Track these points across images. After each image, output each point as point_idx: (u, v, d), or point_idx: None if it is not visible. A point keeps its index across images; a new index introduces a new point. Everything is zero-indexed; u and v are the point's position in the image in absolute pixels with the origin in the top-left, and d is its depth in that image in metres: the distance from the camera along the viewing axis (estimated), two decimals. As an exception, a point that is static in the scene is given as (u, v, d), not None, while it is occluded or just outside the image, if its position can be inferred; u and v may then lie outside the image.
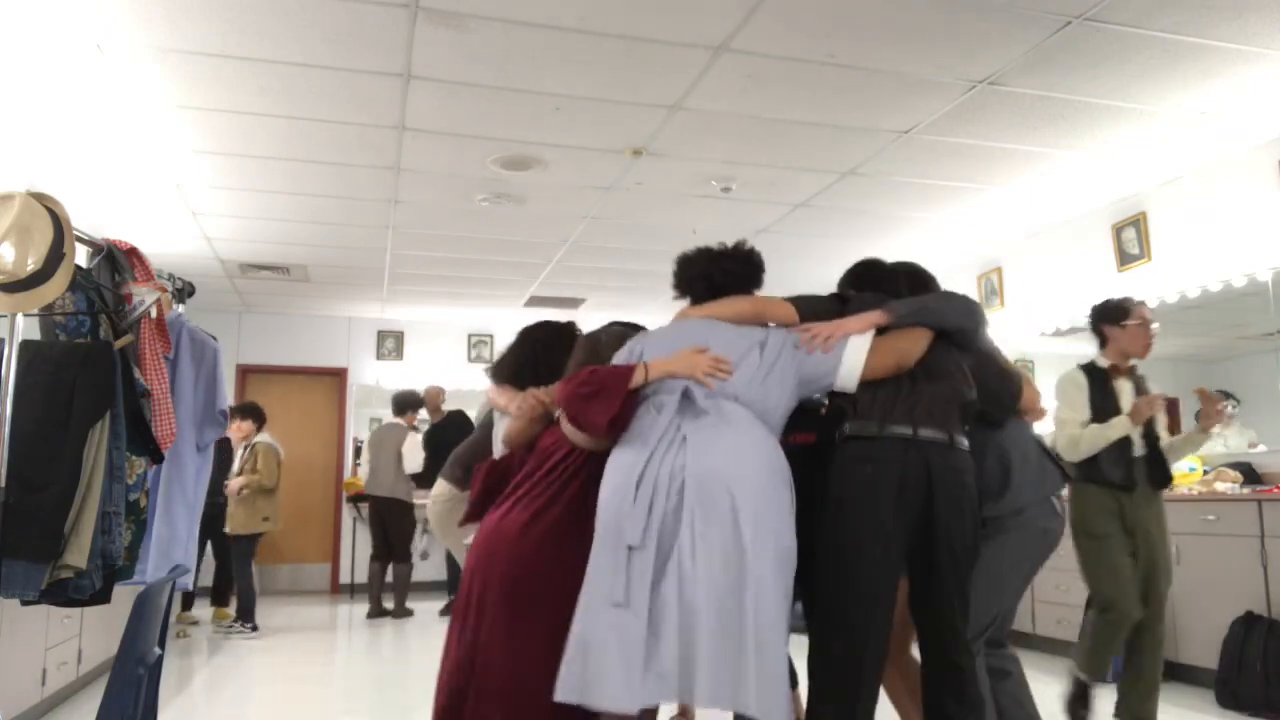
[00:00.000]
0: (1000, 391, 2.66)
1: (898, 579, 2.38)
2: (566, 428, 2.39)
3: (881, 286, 2.69)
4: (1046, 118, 4.59)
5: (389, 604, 7.26)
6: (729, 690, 2.01)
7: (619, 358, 2.45)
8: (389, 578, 7.34)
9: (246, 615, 6.44)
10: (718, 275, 2.56)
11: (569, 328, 2.97)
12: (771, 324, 2.50)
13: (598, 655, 2.06)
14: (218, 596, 6.84)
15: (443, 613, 7.12)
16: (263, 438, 6.80)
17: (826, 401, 2.61)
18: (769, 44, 3.88)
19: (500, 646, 2.30)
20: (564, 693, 2.08)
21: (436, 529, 4.54)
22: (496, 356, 3.16)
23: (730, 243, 2.63)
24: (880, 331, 2.44)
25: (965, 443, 2.43)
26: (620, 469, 2.23)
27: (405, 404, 7.66)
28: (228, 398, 3.49)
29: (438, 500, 4.29)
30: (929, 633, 2.42)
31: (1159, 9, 3.59)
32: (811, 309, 2.50)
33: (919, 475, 2.31)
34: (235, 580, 6.61)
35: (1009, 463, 2.67)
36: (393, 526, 7.36)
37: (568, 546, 2.29)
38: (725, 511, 2.12)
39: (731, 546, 2.09)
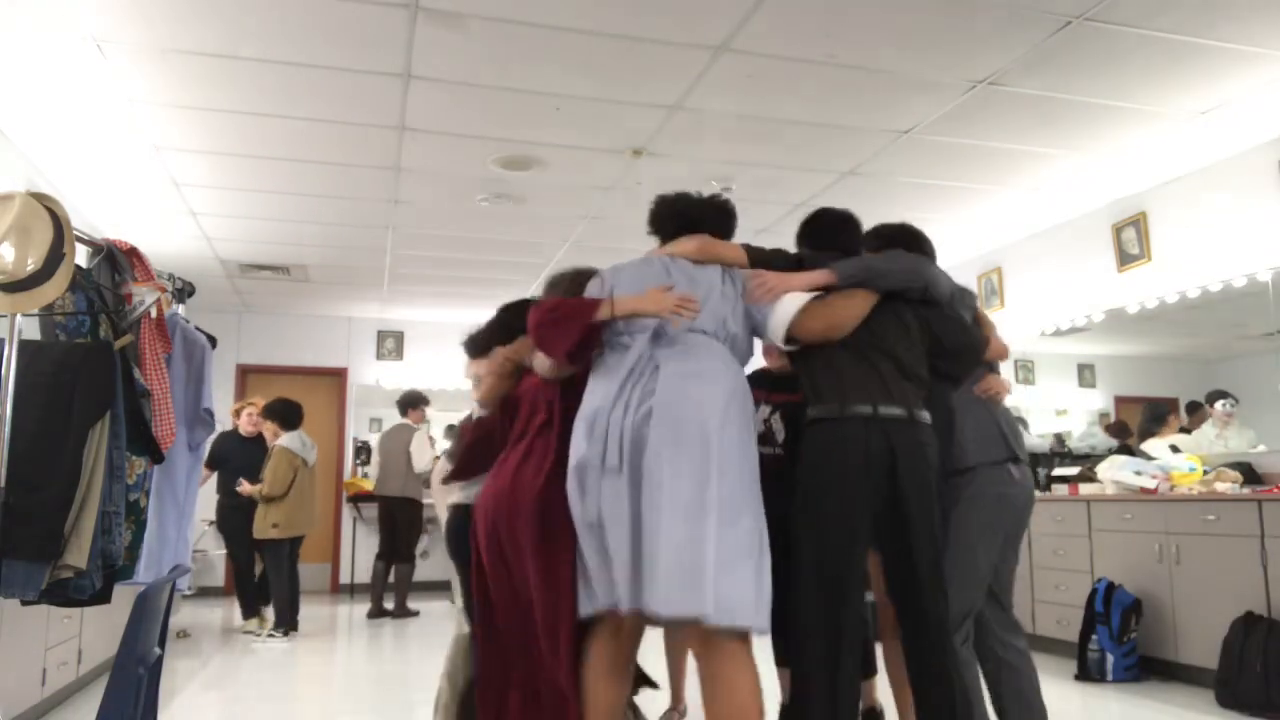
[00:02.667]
0: (962, 348, 2.66)
1: (866, 554, 2.47)
2: (536, 358, 2.51)
3: (838, 240, 2.74)
4: (1046, 118, 4.59)
5: (390, 604, 7.25)
6: (692, 600, 2.12)
7: (590, 290, 2.55)
8: (392, 578, 7.34)
9: (278, 620, 6.38)
10: (690, 213, 2.66)
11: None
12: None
13: (581, 574, 2.29)
14: (244, 605, 6.59)
15: None
16: (282, 440, 6.55)
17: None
18: (769, 44, 3.88)
19: (542, 584, 2.43)
20: (581, 610, 2.31)
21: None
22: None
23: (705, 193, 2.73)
24: (826, 291, 2.49)
25: (926, 415, 2.49)
26: (593, 398, 2.36)
27: (409, 403, 7.64)
28: (213, 397, 3.47)
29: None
30: (904, 610, 2.46)
31: (1159, 9, 3.59)
32: (763, 258, 2.55)
33: (882, 452, 2.38)
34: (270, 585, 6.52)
35: (952, 420, 2.69)
36: (402, 526, 7.35)
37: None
38: (692, 436, 2.22)
39: (698, 469, 2.20)
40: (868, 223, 6.42)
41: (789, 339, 2.49)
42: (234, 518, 6.60)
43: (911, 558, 2.41)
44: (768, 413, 3.09)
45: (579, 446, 2.33)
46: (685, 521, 2.17)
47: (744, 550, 2.21)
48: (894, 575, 2.48)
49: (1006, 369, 6.87)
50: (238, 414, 6.91)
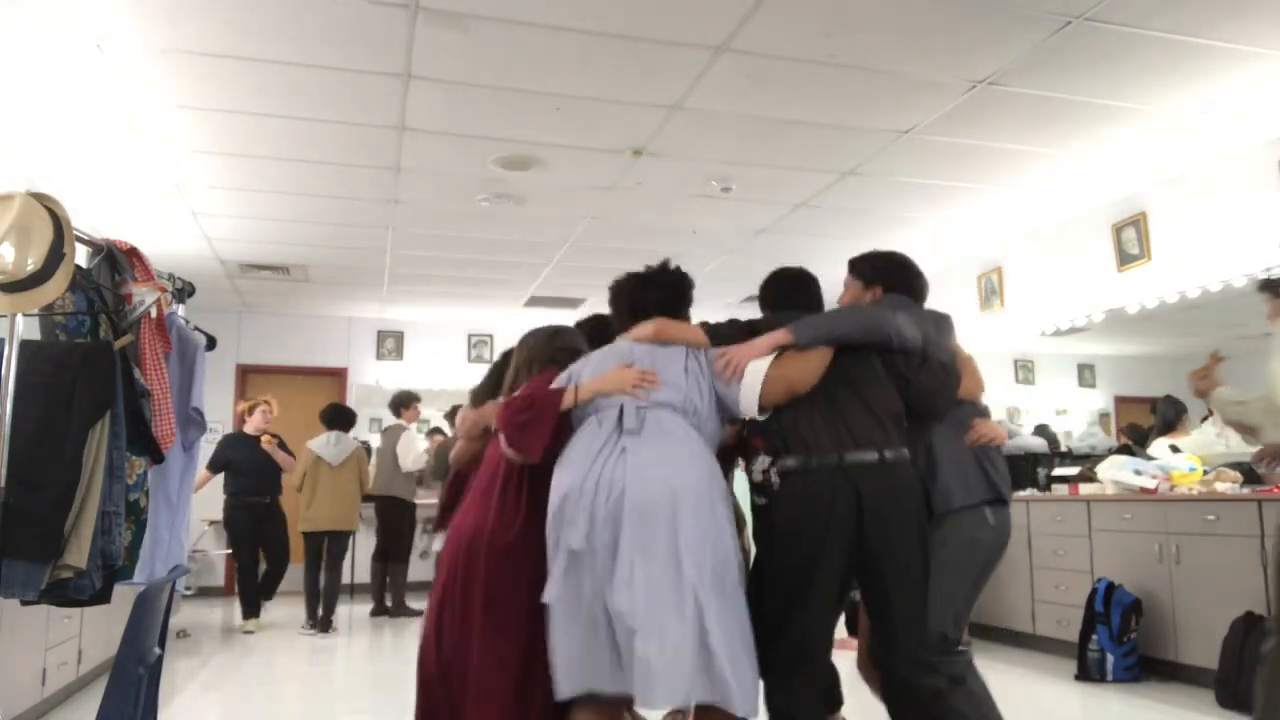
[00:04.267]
0: (932, 389, 2.66)
1: (835, 602, 2.50)
2: (505, 449, 2.54)
3: (795, 300, 2.78)
4: (1046, 118, 4.59)
5: (414, 605, 7.30)
6: (676, 688, 2.16)
7: (559, 382, 2.59)
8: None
9: (309, 617, 6.60)
10: (639, 303, 2.70)
11: None
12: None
13: (556, 651, 2.25)
14: (245, 605, 6.62)
15: None
16: (311, 440, 6.85)
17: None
18: (769, 44, 3.88)
19: (481, 650, 2.44)
20: (565, 690, 2.26)
21: None
22: (496, 356, 3.34)
23: (657, 264, 2.75)
24: (784, 350, 2.52)
25: (903, 454, 2.49)
26: (565, 480, 2.37)
27: (400, 403, 7.65)
28: (204, 397, 3.46)
29: None
30: (884, 648, 2.49)
31: (1159, 9, 3.59)
32: (720, 334, 2.59)
33: (848, 499, 2.39)
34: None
35: (935, 461, 2.69)
36: (391, 526, 7.35)
37: (536, 554, 2.42)
38: (663, 521, 2.25)
39: (669, 553, 2.23)
40: (869, 222, 6.41)
41: (761, 406, 2.51)
42: (239, 518, 6.61)
43: (885, 599, 2.45)
44: (766, 464, 3.05)
45: (559, 530, 2.33)
46: (663, 609, 2.19)
47: (729, 634, 2.24)
48: (872, 612, 2.53)
49: (1006, 369, 6.93)
50: (250, 411, 6.88)
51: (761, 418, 2.55)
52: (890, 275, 2.87)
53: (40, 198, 2.64)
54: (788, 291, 2.85)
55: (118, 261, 3.06)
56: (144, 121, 4.59)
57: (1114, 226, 5.79)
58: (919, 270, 2.91)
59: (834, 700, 3.31)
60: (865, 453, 2.43)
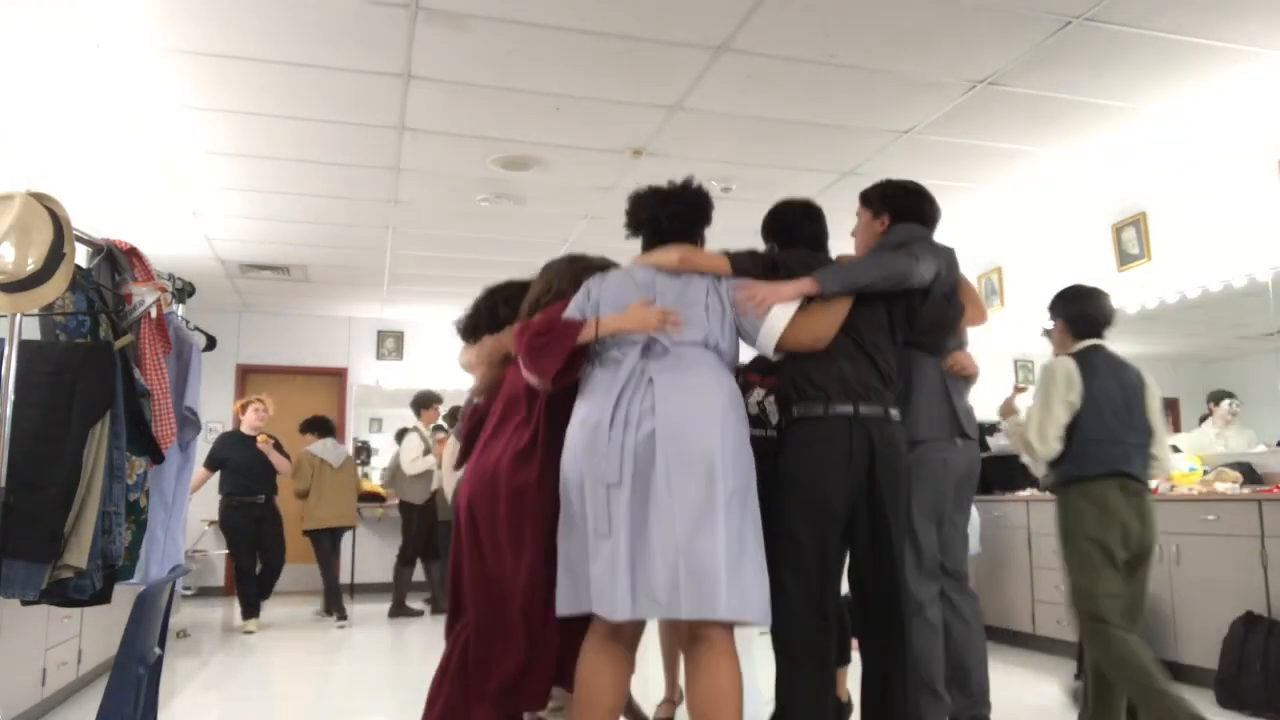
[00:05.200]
0: (937, 322, 2.78)
1: (842, 541, 2.60)
2: (524, 372, 2.57)
3: (802, 231, 2.88)
4: (1046, 118, 4.59)
5: (414, 604, 7.38)
6: (708, 602, 2.24)
7: (574, 306, 2.60)
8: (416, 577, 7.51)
9: (326, 608, 7.06)
10: (664, 219, 2.68)
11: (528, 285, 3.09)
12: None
13: (588, 574, 2.33)
14: (244, 605, 6.65)
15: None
16: (309, 446, 7.16)
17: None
18: (769, 44, 3.88)
19: (514, 570, 2.53)
20: (562, 608, 2.38)
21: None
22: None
23: (680, 180, 2.74)
24: (809, 299, 2.58)
25: (897, 414, 2.62)
26: (590, 411, 2.42)
27: (420, 404, 7.67)
28: (199, 396, 3.45)
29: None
30: (872, 590, 2.59)
31: (1159, 9, 3.59)
32: (742, 265, 2.63)
33: (862, 450, 2.51)
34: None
35: (911, 392, 2.82)
36: (402, 528, 7.49)
37: (554, 488, 2.50)
38: (697, 452, 2.31)
39: (704, 481, 2.29)
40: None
41: (776, 348, 2.58)
42: (235, 518, 6.61)
43: (884, 545, 2.56)
44: (761, 395, 3.13)
45: (577, 460, 2.40)
46: (697, 529, 2.26)
47: (749, 552, 2.33)
48: (863, 559, 2.61)
49: (1006, 369, 6.93)
50: (243, 409, 6.90)
51: (775, 358, 2.63)
52: (899, 202, 2.94)
53: (40, 198, 2.64)
54: (797, 224, 2.92)
55: (118, 261, 3.06)
56: (144, 121, 4.59)
57: (1114, 226, 5.79)
58: (929, 195, 2.98)
59: (842, 655, 3.32)
60: (874, 407, 2.55)
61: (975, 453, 3.01)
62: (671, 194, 2.70)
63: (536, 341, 2.49)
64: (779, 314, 2.51)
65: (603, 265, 2.81)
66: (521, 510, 2.54)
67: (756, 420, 3.00)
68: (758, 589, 2.31)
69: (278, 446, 6.80)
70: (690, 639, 2.38)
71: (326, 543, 7.05)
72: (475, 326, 3.23)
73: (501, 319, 3.05)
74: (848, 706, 3.42)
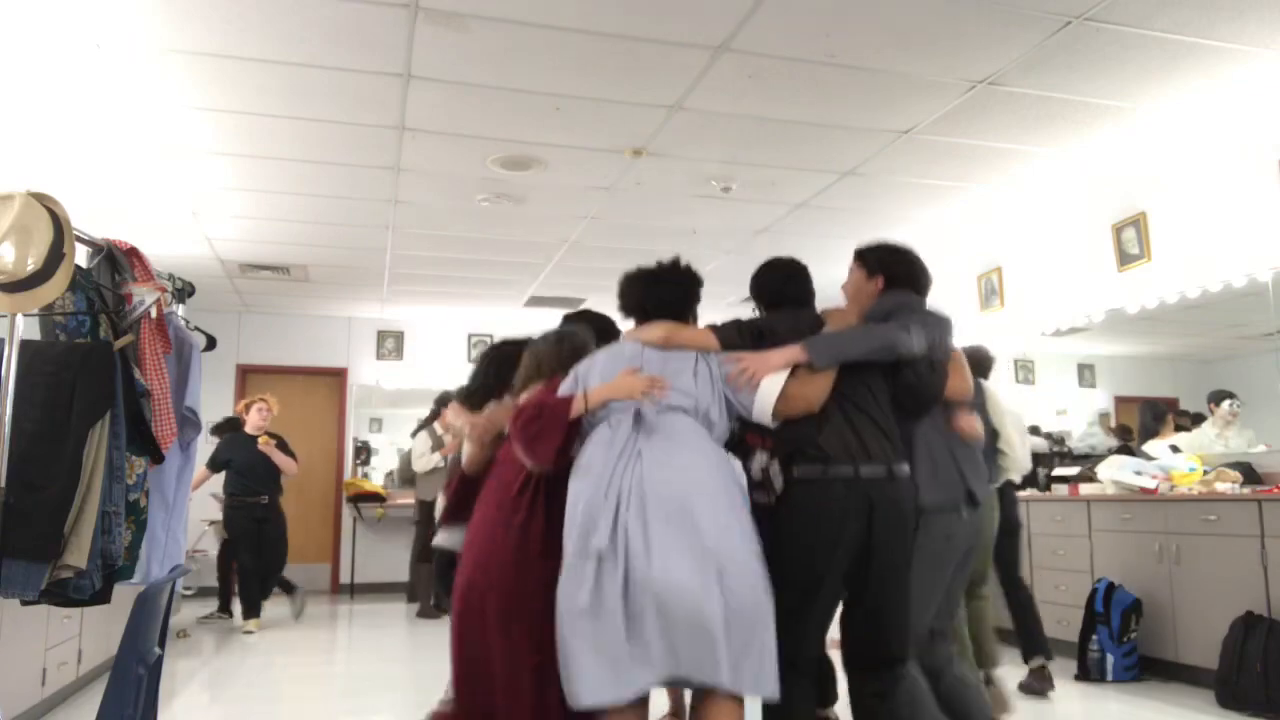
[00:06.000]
0: (918, 386, 2.74)
1: (835, 603, 2.61)
2: (520, 456, 2.56)
3: (788, 293, 2.84)
4: (1046, 118, 4.59)
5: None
6: (709, 669, 2.22)
7: (565, 385, 2.61)
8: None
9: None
10: (650, 303, 2.71)
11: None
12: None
13: (578, 661, 2.26)
14: (245, 605, 6.65)
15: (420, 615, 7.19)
16: None
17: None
18: (769, 44, 3.88)
19: (504, 660, 2.50)
20: (571, 701, 2.29)
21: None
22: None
23: (668, 260, 2.77)
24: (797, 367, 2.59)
25: (904, 469, 2.59)
26: (585, 486, 2.40)
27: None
28: (199, 396, 3.45)
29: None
30: (864, 648, 2.58)
31: (1159, 9, 3.59)
32: (730, 341, 2.65)
33: (860, 511, 2.49)
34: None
35: (913, 458, 2.75)
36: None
37: (545, 555, 2.48)
38: (683, 515, 2.30)
39: (695, 542, 2.27)
40: (869, 222, 6.41)
41: (772, 417, 2.58)
42: (236, 518, 6.61)
43: (880, 601, 2.54)
44: (765, 460, 3.08)
45: (577, 541, 2.35)
46: (692, 595, 2.24)
47: (762, 622, 2.30)
48: (858, 613, 2.59)
49: (1006, 369, 6.93)
50: (247, 409, 6.89)
51: (772, 426, 2.60)
52: (894, 268, 2.90)
53: (40, 198, 2.64)
54: (780, 287, 2.89)
55: (118, 261, 3.06)
56: (144, 122, 4.59)
57: (1114, 226, 5.79)
58: (923, 265, 2.94)
59: (828, 697, 3.34)
60: (876, 466, 2.53)
61: (978, 519, 2.95)
62: (660, 276, 2.74)
63: (531, 429, 2.51)
64: (770, 385, 2.54)
65: (586, 345, 2.81)
66: (511, 593, 2.50)
67: (760, 486, 2.96)
68: (769, 659, 2.28)
69: (282, 446, 6.79)
70: (702, 700, 2.38)
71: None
72: (475, 398, 3.21)
73: (495, 386, 3.04)
74: None
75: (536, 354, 2.84)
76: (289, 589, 6.88)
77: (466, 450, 3.03)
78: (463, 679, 2.60)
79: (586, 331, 2.96)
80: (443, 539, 3.15)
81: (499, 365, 3.07)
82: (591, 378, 2.57)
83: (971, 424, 2.94)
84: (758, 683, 2.26)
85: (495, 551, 2.56)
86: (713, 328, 2.67)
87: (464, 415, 3.17)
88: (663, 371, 2.53)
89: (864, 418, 2.58)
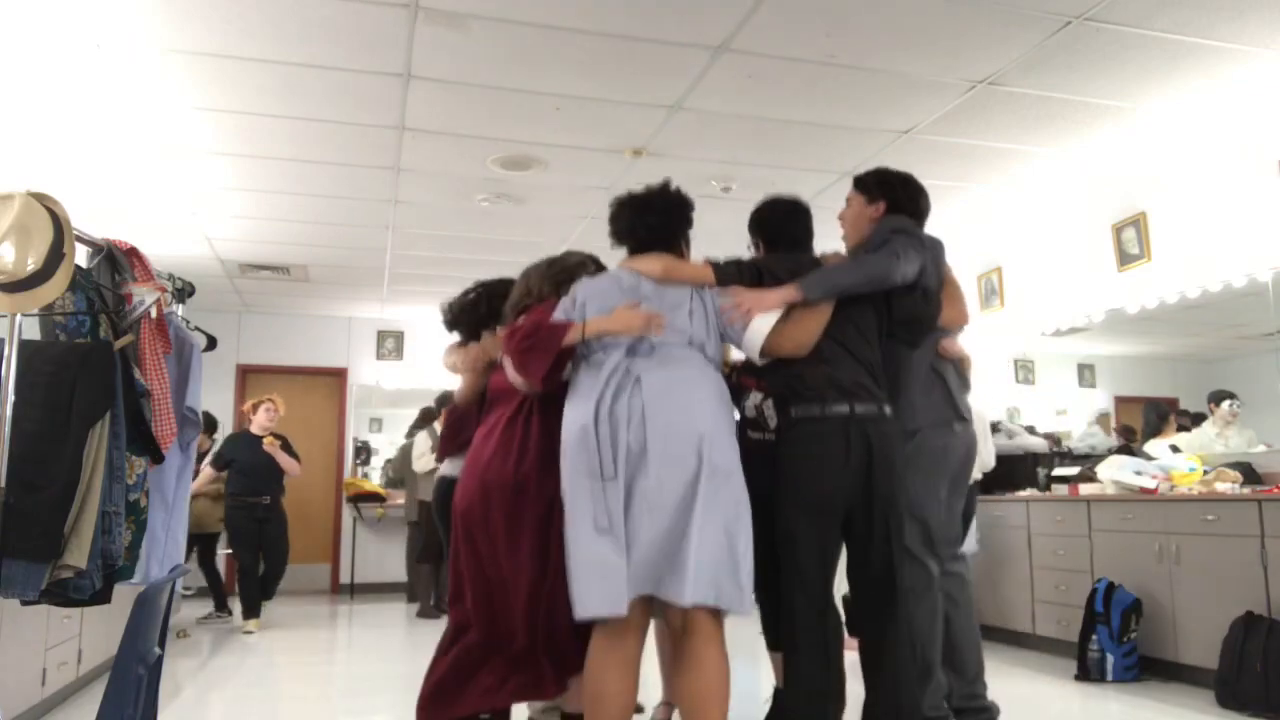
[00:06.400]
0: (912, 319, 2.81)
1: (839, 539, 2.68)
2: (511, 375, 2.63)
3: (788, 232, 2.91)
4: (1046, 118, 4.59)
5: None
6: (676, 586, 2.32)
7: (560, 311, 2.64)
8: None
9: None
10: (641, 230, 2.74)
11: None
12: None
13: (585, 575, 2.36)
14: (246, 605, 6.63)
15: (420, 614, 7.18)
16: None
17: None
18: (769, 44, 3.88)
19: (512, 571, 2.60)
20: (578, 612, 2.39)
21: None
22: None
23: (657, 185, 2.80)
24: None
25: (891, 410, 2.68)
26: (579, 412, 2.46)
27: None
28: (200, 396, 3.46)
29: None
30: (869, 584, 2.65)
31: (1159, 9, 3.59)
32: (725, 275, 2.68)
33: (860, 447, 2.57)
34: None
35: (905, 381, 2.86)
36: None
37: (548, 481, 2.57)
38: (684, 442, 2.37)
39: (690, 470, 2.36)
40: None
41: (761, 354, 2.63)
42: (238, 518, 6.61)
43: (881, 540, 2.62)
44: (759, 399, 3.14)
45: (574, 460, 2.43)
46: (679, 517, 2.34)
47: (732, 539, 2.39)
48: (860, 554, 2.66)
49: (1007, 369, 6.93)
50: (254, 408, 6.88)
51: (761, 363, 2.66)
52: (894, 192, 2.96)
53: (40, 198, 2.64)
54: (782, 223, 2.94)
55: (118, 261, 3.06)
56: (144, 122, 4.59)
57: (1114, 226, 5.78)
58: (922, 188, 3.00)
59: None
60: (870, 404, 2.61)
61: (972, 435, 3.07)
62: (649, 201, 2.74)
63: (524, 344, 2.55)
64: (761, 322, 2.57)
65: (580, 265, 2.87)
66: (514, 512, 2.59)
67: (755, 423, 3.02)
68: (733, 577, 2.37)
69: (286, 447, 6.79)
70: (681, 631, 2.44)
71: (200, 546, 6.92)
72: (459, 321, 3.35)
73: (485, 316, 3.16)
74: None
75: (528, 277, 2.92)
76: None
77: (462, 381, 3.13)
78: (479, 599, 2.66)
79: (579, 256, 3.01)
80: (444, 468, 3.33)
81: (489, 299, 3.18)
82: (590, 307, 2.59)
83: (956, 346, 3.05)
84: (734, 599, 2.36)
85: (494, 475, 2.64)
86: (712, 264, 2.69)
87: (458, 352, 3.27)
88: (660, 306, 2.55)
89: (850, 358, 2.64)
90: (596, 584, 2.35)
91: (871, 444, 2.57)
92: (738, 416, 2.77)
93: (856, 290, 2.66)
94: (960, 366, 3.12)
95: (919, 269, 2.74)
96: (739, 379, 2.86)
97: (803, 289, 2.59)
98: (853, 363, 2.64)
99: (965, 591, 3.11)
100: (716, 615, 2.41)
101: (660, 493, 2.34)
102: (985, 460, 4.37)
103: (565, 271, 2.82)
